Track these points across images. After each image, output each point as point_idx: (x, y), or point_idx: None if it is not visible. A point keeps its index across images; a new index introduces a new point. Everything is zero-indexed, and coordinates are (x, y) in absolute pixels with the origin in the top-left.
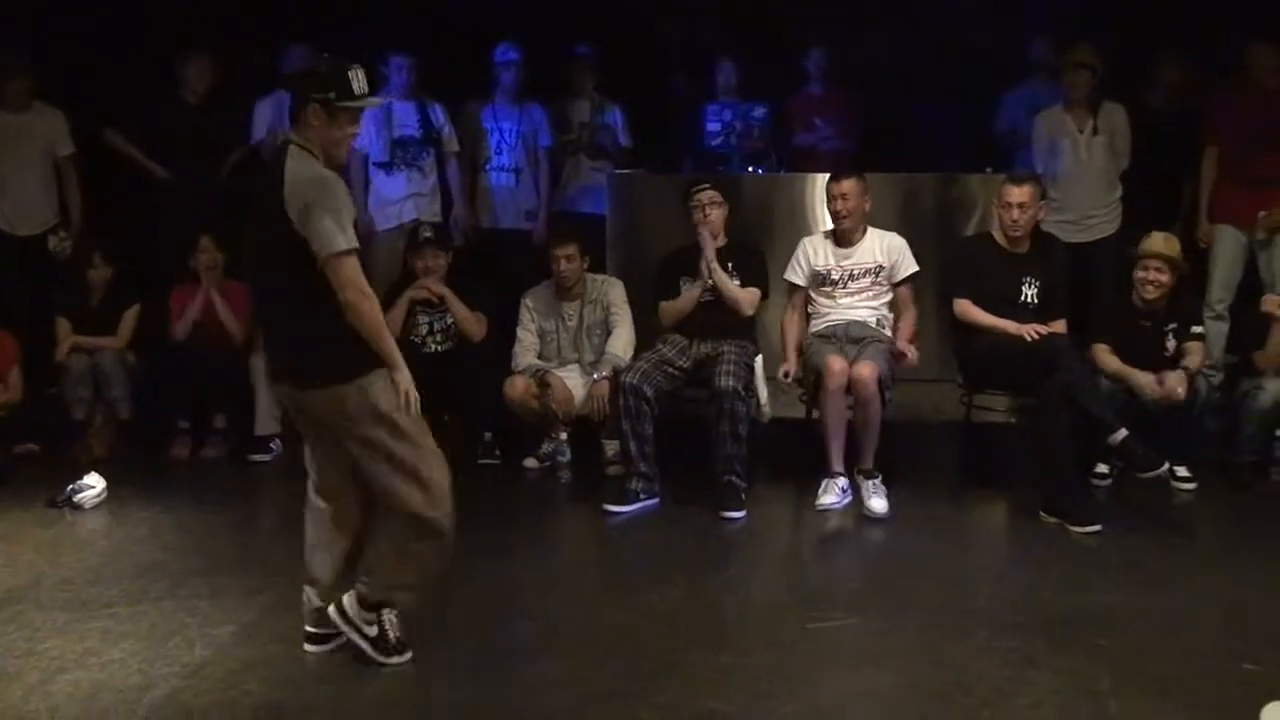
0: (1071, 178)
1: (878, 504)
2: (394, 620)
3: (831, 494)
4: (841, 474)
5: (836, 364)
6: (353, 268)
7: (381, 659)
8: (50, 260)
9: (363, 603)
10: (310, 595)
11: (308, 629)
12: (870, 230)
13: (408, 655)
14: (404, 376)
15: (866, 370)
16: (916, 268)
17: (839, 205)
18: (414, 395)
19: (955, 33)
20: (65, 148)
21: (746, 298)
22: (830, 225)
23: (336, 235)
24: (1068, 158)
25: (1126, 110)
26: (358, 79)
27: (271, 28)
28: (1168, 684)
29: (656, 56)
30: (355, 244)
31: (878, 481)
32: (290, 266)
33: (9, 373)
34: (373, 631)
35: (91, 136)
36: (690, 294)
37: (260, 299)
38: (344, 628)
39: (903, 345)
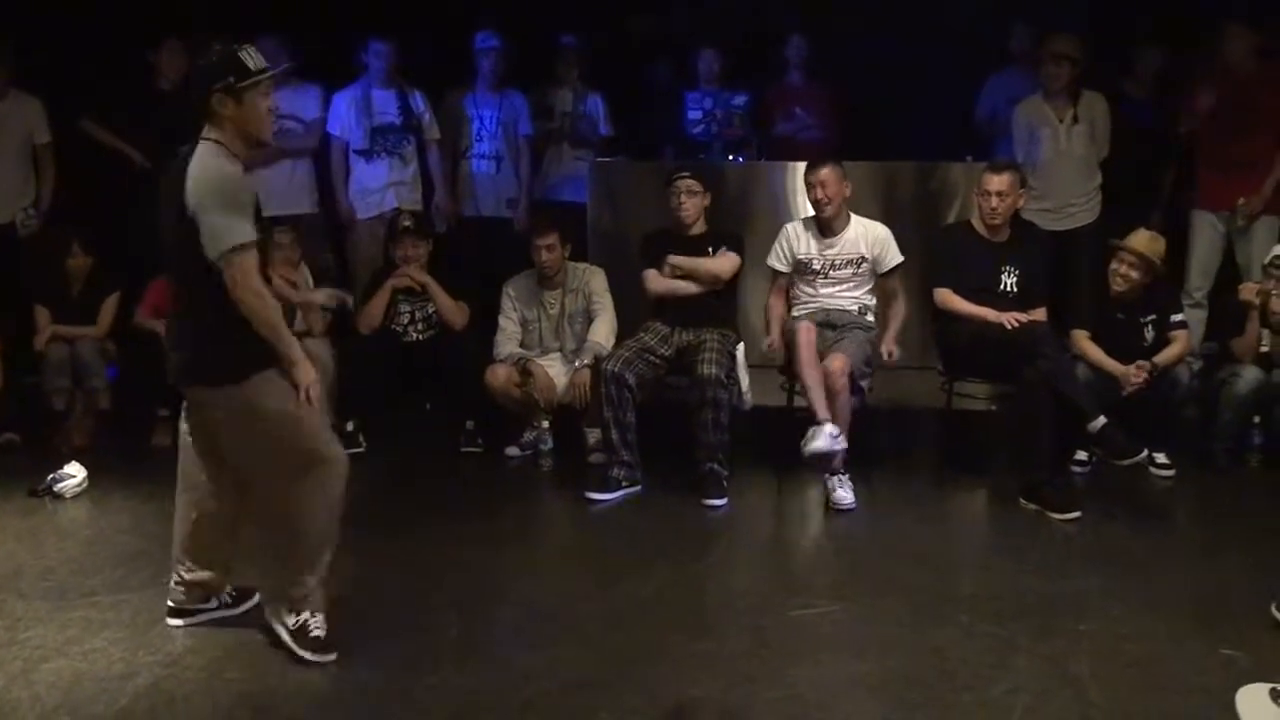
0: (1051, 166)
1: (843, 495)
2: (318, 619)
3: (821, 439)
4: (828, 419)
5: (805, 325)
6: (242, 266)
7: (302, 652)
8: (27, 247)
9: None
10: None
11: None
12: (854, 219)
13: (331, 655)
14: (303, 372)
15: (837, 363)
16: (901, 259)
17: (819, 193)
18: (315, 392)
19: (936, 20)
20: (42, 136)
21: (726, 265)
22: (812, 212)
23: (224, 233)
24: (1047, 146)
25: (1105, 99)
26: (251, 56)
27: (248, 15)
28: (1147, 669)
29: (637, 45)
30: (248, 238)
31: (844, 477)
32: (190, 261)
33: None
34: (292, 622)
35: (69, 125)
36: (687, 287)
37: (172, 296)
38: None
39: (889, 344)
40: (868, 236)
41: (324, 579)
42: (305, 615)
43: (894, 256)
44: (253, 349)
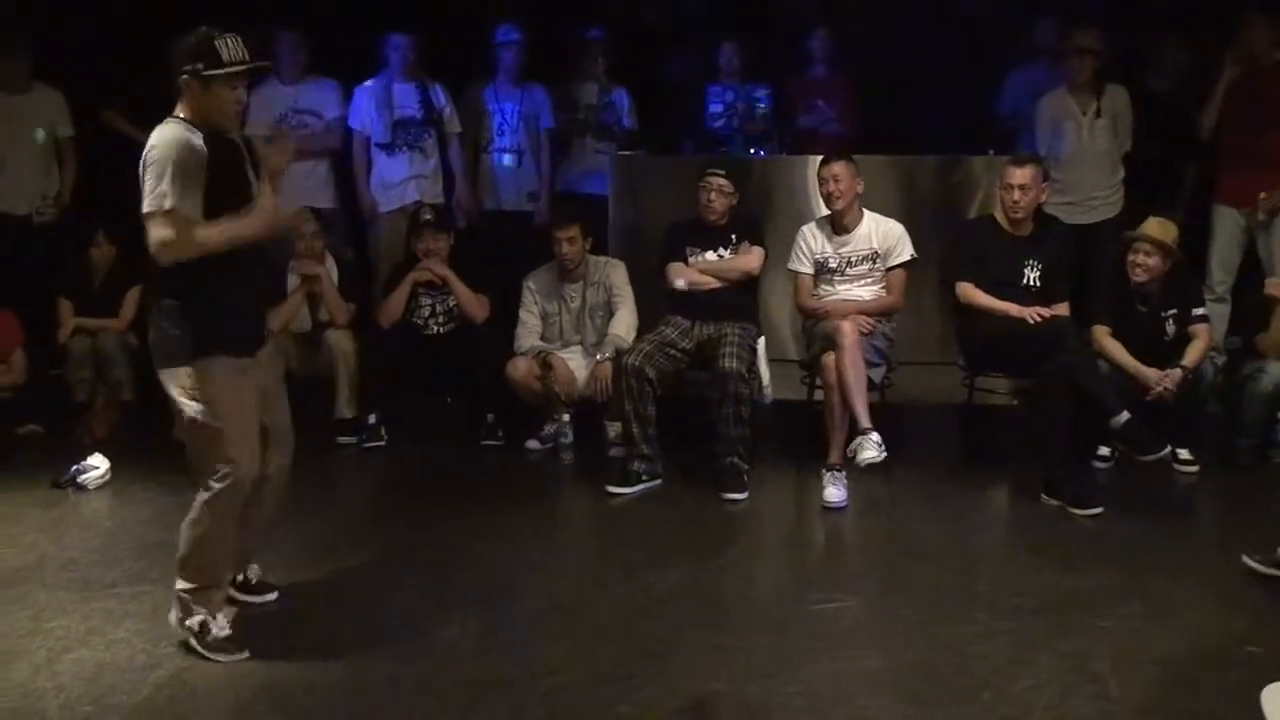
0: (1074, 160)
1: (834, 493)
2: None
3: (870, 449)
4: (872, 427)
5: (848, 325)
6: (160, 226)
7: (208, 654)
8: (48, 239)
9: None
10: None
11: None
12: (867, 215)
13: (240, 654)
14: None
15: (845, 321)
16: (911, 255)
17: (831, 187)
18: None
19: (959, 14)
20: (65, 129)
21: (755, 260)
22: (826, 211)
23: (151, 195)
24: (1070, 140)
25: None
26: (227, 47)
27: (268, 9)
28: (1168, 666)
29: (658, 37)
30: (171, 204)
31: (838, 473)
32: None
33: (12, 354)
34: (194, 624)
35: (92, 117)
36: (709, 280)
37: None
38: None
39: (857, 315)
40: (879, 231)
41: (218, 586)
42: (203, 616)
43: (903, 252)
44: (194, 332)
